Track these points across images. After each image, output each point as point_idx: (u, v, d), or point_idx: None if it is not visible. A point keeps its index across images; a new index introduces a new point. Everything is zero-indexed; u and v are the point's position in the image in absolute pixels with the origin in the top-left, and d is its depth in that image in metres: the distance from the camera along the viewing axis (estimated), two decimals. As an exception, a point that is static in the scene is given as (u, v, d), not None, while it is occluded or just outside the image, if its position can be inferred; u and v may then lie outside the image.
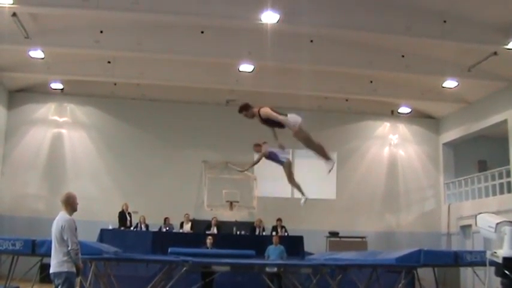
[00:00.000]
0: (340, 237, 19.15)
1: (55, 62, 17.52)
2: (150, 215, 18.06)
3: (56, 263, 6.84)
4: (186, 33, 15.93)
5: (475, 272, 11.89)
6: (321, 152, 8.42)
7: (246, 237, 17.50)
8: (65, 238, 6.79)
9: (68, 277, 6.81)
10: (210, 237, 15.34)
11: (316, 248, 17.89)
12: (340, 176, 21.24)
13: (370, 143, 22.10)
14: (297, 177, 10.38)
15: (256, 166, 20.04)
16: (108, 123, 20.53)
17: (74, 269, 6.84)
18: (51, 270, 6.87)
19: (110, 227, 16.93)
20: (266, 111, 8.25)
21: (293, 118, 8.16)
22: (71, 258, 6.80)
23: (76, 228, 6.92)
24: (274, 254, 14.62)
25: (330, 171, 8.48)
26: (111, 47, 16.04)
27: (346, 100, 20.90)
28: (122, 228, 17.42)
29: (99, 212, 18.06)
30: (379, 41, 16.32)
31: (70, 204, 7.09)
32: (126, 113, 20.42)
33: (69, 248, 6.77)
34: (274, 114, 8.21)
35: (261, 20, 14.07)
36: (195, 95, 20.24)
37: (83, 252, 7.18)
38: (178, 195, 19.58)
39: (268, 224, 18.48)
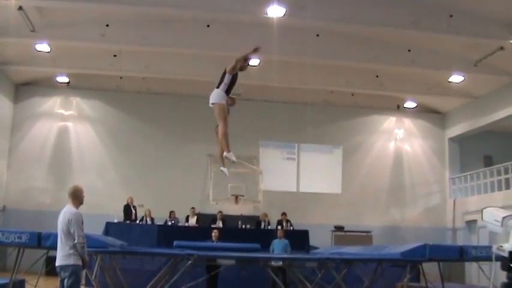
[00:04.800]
0: (346, 231, 19.16)
1: (61, 56, 17.55)
2: (156, 208, 18.06)
3: (62, 256, 6.82)
4: (191, 27, 15.92)
5: (480, 267, 11.89)
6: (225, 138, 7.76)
7: (251, 231, 17.51)
8: (72, 231, 6.76)
9: (74, 270, 6.79)
10: (215, 230, 15.33)
11: (322, 242, 17.90)
12: (346, 170, 21.33)
13: (376, 138, 22.08)
14: (303, 172, 10.19)
15: (262, 161, 20.46)
16: (113, 116, 20.58)
17: (80, 262, 6.82)
18: (57, 263, 6.86)
19: (116, 221, 16.98)
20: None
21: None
22: (77, 252, 6.78)
23: (83, 222, 6.89)
24: (278, 247, 14.63)
25: (224, 168, 7.74)
26: (117, 40, 16.06)
27: (352, 94, 20.88)
28: (127, 221, 17.47)
29: (105, 205, 18.04)
30: (386, 35, 16.29)
31: (77, 197, 7.05)
32: (132, 106, 20.45)
33: (75, 242, 6.75)
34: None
35: (267, 14, 14.07)
36: (200, 88, 19.99)
37: (88, 245, 7.16)
38: (184, 188, 19.59)
39: (274, 218, 18.44)
